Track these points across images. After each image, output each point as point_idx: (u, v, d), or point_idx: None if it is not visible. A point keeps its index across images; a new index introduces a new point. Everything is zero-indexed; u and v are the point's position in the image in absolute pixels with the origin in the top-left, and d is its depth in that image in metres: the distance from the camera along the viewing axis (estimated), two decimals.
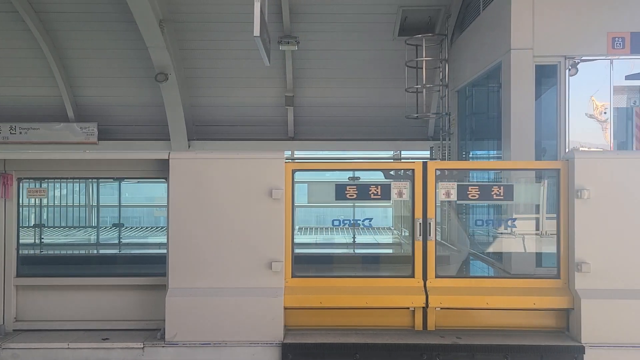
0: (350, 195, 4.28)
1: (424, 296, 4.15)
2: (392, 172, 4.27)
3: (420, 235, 4.22)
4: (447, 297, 4.16)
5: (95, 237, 8.48)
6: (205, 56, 11.24)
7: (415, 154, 12.24)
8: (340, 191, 4.28)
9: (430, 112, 10.92)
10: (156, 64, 10.51)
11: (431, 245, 4.22)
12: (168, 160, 4.13)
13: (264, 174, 4.11)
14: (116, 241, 7.97)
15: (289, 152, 12.71)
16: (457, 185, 4.25)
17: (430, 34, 9.92)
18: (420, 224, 4.21)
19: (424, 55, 9.65)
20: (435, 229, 4.24)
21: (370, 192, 4.28)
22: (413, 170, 4.23)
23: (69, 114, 12.07)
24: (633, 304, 3.95)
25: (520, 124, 6.92)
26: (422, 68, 9.71)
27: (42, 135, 12.10)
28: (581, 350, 3.91)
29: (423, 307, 4.19)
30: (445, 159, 10.17)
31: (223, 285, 4.08)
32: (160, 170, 4.23)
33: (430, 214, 4.22)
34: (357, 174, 4.73)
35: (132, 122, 12.19)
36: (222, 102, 11.97)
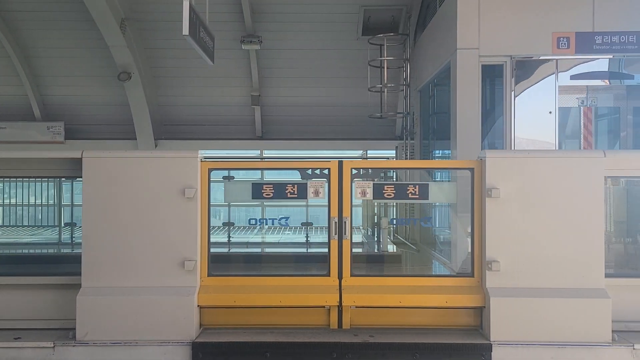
0: (267, 195, 4.29)
1: (338, 295, 4.16)
2: (308, 172, 4.28)
3: (335, 234, 4.23)
4: (361, 296, 4.18)
5: (43, 237, 8.47)
6: (171, 55, 11.23)
7: (382, 154, 12.28)
8: (257, 190, 4.29)
9: (397, 111, 10.97)
10: (118, 63, 10.51)
11: (347, 244, 4.24)
12: (81, 159, 4.13)
13: (177, 172, 4.11)
14: (68, 241, 7.95)
15: (258, 152, 12.75)
16: (373, 184, 4.27)
17: (391, 34, 9.96)
18: (335, 222, 4.23)
19: (385, 55, 9.69)
20: (351, 228, 4.25)
21: (286, 192, 4.29)
22: (329, 169, 4.25)
23: (35, 113, 12.05)
24: (540, 303, 3.97)
25: (465, 123, 6.96)
26: (384, 67, 9.74)
27: (8, 134, 12.06)
28: (489, 348, 3.93)
29: (338, 306, 4.21)
30: (408, 159, 10.22)
31: (136, 284, 4.08)
32: (77, 169, 4.22)
33: (346, 213, 4.24)
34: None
35: (99, 121, 12.18)
36: (190, 101, 11.98)
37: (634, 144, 7.21)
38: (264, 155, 12.62)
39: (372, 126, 11.84)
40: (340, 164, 4.25)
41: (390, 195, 4.28)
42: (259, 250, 7.45)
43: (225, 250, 7.86)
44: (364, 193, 4.27)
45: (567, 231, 4.04)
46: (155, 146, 11.87)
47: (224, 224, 7.09)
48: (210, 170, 4.24)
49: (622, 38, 6.81)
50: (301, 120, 12.04)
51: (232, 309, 4.28)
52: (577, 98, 7.24)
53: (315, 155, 12.50)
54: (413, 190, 4.28)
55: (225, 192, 4.35)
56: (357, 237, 10.26)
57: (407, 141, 10.40)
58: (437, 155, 9.47)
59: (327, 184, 4.25)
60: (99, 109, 12.05)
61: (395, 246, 8.74)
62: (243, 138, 12.31)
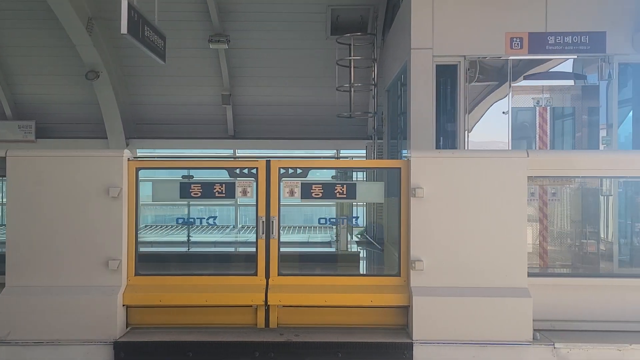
0: (194, 194, 4.29)
1: (264, 294, 4.17)
2: (236, 171, 4.28)
3: (263, 233, 4.24)
4: (286, 295, 4.18)
5: None
6: (141, 54, 11.09)
7: (355, 153, 12.28)
8: (185, 189, 4.29)
9: (367, 111, 10.97)
10: (86, 62, 10.49)
11: (274, 243, 4.24)
12: (5, 157, 4.12)
13: (101, 172, 4.10)
14: None
15: (231, 151, 12.72)
16: (302, 183, 4.27)
17: (358, 34, 9.96)
18: (263, 222, 4.23)
19: (352, 55, 9.69)
20: (279, 227, 4.26)
21: (214, 191, 4.29)
22: (257, 168, 4.25)
23: (6, 112, 12.00)
24: (462, 302, 3.99)
25: (420, 122, 6.98)
26: (353, 67, 9.74)
27: None
28: (410, 346, 3.94)
29: (265, 305, 4.21)
30: (375, 159, 10.22)
31: (59, 284, 4.07)
32: (3, 168, 4.20)
33: (274, 212, 4.24)
34: None
35: (70, 120, 12.14)
36: (161, 100, 11.95)
37: (589, 144, 7.24)
38: (237, 154, 12.59)
39: (344, 126, 11.84)
40: (268, 163, 4.25)
41: (319, 194, 4.28)
42: (199, 249, 7.42)
43: (184, 249, 7.89)
44: (291, 192, 4.27)
45: (490, 231, 4.06)
46: (127, 145, 11.84)
47: (181, 223, 7.05)
48: (138, 169, 4.23)
49: (575, 38, 6.84)
50: (273, 119, 12.03)
51: (160, 309, 4.27)
52: (532, 98, 7.27)
53: (286, 155, 12.48)
54: (341, 189, 4.30)
55: (152, 192, 4.34)
56: (326, 237, 10.32)
57: (375, 141, 10.43)
58: (405, 154, 9.47)
59: (255, 184, 4.26)
60: (70, 108, 12.00)
61: (358, 246, 8.76)
62: (215, 137, 12.28)
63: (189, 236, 7.68)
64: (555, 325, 4.21)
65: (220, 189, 4.28)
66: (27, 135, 12.03)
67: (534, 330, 4.05)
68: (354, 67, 9.74)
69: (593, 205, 6.46)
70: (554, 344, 3.93)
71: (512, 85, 6.97)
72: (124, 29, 5.02)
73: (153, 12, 10.26)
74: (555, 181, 6.35)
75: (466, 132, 6.97)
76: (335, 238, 9.45)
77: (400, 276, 4.22)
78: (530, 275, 4.18)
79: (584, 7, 6.84)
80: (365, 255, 8.04)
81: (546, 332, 4.14)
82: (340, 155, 12.36)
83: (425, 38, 6.89)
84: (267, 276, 4.24)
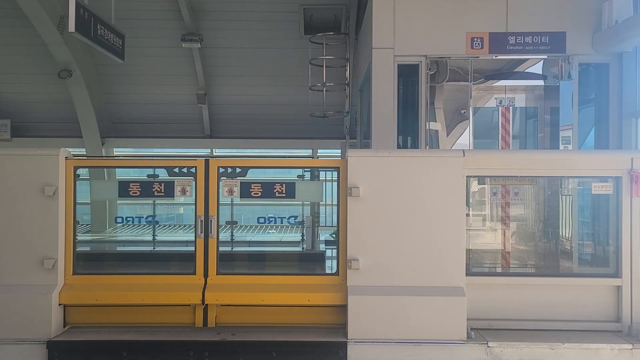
0: (133, 193, 4.28)
1: (201, 293, 4.16)
2: (175, 170, 4.28)
3: (201, 232, 4.23)
4: (224, 294, 4.18)
5: None
6: None
7: (331, 152, 12.27)
8: (124, 189, 4.28)
9: (342, 110, 10.98)
10: (58, 60, 10.45)
11: (212, 242, 4.24)
12: None
13: (36, 170, 4.09)
14: None
15: (208, 150, 12.68)
16: (240, 182, 4.27)
17: (331, 33, 9.97)
18: (201, 221, 4.23)
19: (324, 54, 9.69)
20: (217, 227, 4.25)
21: (153, 190, 4.29)
22: (195, 167, 4.24)
23: None
24: (396, 301, 3.99)
25: (381, 122, 6.99)
26: (327, 66, 9.74)
27: None
28: (344, 345, 3.95)
29: (203, 304, 4.20)
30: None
31: None
32: None
33: (212, 211, 4.24)
34: None
35: (46, 119, 12.08)
36: (137, 99, 11.91)
37: (550, 143, 7.26)
38: (214, 153, 12.56)
39: (321, 125, 11.82)
40: (207, 162, 4.25)
41: (258, 194, 4.28)
42: (164, 248, 7.41)
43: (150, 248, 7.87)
44: (230, 191, 4.27)
45: (426, 230, 4.07)
46: (103, 144, 11.80)
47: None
48: (76, 168, 4.23)
49: (535, 39, 6.87)
50: (250, 118, 12.01)
51: (99, 308, 4.26)
52: (495, 98, 7.29)
53: (264, 155, 12.47)
54: (280, 189, 4.29)
55: (91, 191, 4.33)
56: (297, 237, 10.29)
57: (348, 140, 10.46)
58: None
59: (194, 182, 4.25)
60: (45, 107, 11.96)
61: (327, 245, 8.74)
62: (192, 137, 12.26)
63: (154, 235, 7.66)
64: (492, 324, 4.22)
65: (159, 188, 4.27)
66: (3, 134, 11.97)
67: (471, 329, 4.06)
68: (327, 67, 9.75)
69: (551, 204, 6.46)
70: (487, 343, 3.94)
71: (473, 85, 7.00)
72: (71, 27, 5.00)
73: (124, 11, 10.30)
74: (518, 180, 6.35)
75: (427, 131, 6.98)
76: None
77: (339, 275, 4.22)
78: (469, 274, 4.19)
79: (544, 7, 6.86)
80: (331, 255, 8.02)
81: (482, 330, 4.15)
82: (317, 154, 12.35)
83: (387, 38, 6.90)
84: (206, 275, 4.24)
